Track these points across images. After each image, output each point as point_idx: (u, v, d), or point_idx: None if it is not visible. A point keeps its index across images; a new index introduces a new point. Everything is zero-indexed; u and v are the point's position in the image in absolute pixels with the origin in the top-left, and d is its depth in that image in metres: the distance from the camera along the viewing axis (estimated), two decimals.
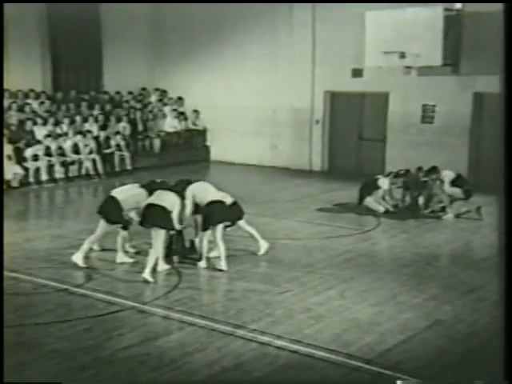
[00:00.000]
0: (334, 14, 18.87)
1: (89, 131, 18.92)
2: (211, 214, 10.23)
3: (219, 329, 7.89)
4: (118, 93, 21.45)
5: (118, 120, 20.16)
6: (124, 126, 20.07)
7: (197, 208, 10.54)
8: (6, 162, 16.43)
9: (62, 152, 17.99)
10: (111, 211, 10.25)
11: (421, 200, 14.03)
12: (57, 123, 18.82)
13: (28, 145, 17.52)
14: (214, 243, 10.30)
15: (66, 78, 21.13)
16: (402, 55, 16.73)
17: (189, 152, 21.55)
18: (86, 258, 10.35)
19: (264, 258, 10.86)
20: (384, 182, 14.08)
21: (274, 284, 9.55)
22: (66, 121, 19.03)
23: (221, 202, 10.37)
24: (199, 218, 10.55)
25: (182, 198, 10.29)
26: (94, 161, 18.48)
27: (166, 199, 9.92)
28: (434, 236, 12.68)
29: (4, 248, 9.76)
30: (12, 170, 16.66)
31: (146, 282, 9.47)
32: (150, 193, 10.25)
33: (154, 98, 22.22)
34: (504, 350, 5.42)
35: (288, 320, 8.21)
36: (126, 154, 19.36)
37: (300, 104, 20.09)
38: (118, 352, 7.26)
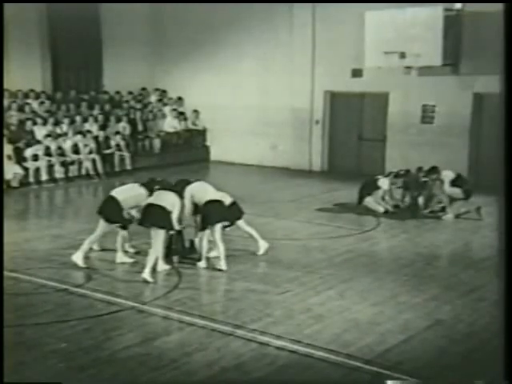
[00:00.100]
0: (333, 13, 18.88)
1: (89, 131, 18.93)
2: (209, 214, 10.23)
3: (219, 329, 7.89)
4: (117, 93, 21.45)
5: (118, 120, 20.16)
6: (124, 126, 20.08)
7: (196, 208, 10.54)
8: (5, 161, 16.43)
9: (61, 152, 17.99)
10: (111, 211, 10.25)
11: (421, 200, 14.03)
12: (57, 123, 18.82)
13: (28, 145, 17.52)
14: (213, 243, 10.30)
15: (65, 77, 21.14)
16: (402, 55, 16.74)
17: (189, 152, 21.55)
18: (86, 258, 10.34)
19: (264, 258, 10.86)
20: (384, 182, 14.08)
21: (273, 284, 9.55)
22: (66, 121, 19.03)
23: (219, 202, 10.36)
24: (199, 217, 10.54)
25: (181, 197, 10.29)
26: (93, 161, 18.48)
27: (166, 199, 9.92)
28: (434, 236, 12.68)
29: (4, 248, 9.75)
30: (12, 170, 16.66)
31: (145, 282, 9.47)
32: (151, 191, 10.26)
33: (153, 98, 22.22)
34: (504, 350, 5.42)
35: (288, 320, 8.20)
36: (126, 154, 19.37)
37: (300, 104, 20.09)
38: (118, 352, 7.26)
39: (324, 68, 19.49)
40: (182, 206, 10.27)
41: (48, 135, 17.92)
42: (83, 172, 18.34)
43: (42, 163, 17.41)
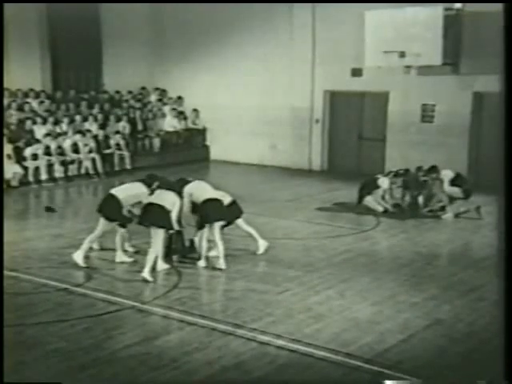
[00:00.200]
0: (333, 13, 18.88)
1: (88, 130, 18.92)
2: (207, 213, 10.23)
3: (219, 328, 7.90)
4: (117, 92, 21.45)
5: (118, 119, 20.16)
6: (124, 126, 20.08)
7: (194, 207, 10.53)
8: (5, 161, 16.43)
9: (61, 151, 17.99)
10: (111, 209, 10.25)
11: (420, 199, 14.04)
12: (56, 122, 18.82)
13: (27, 144, 17.51)
14: (213, 242, 10.31)
15: (65, 77, 21.15)
16: (402, 55, 16.75)
17: (188, 151, 21.55)
18: (86, 257, 10.34)
19: (264, 257, 10.87)
20: (384, 182, 14.09)
21: (273, 283, 9.56)
22: (66, 120, 19.02)
23: (217, 201, 10.36)
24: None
25: (181, 197, 10.29)
26: (93, 160, 18.48)
27: (166, 198, 9.92)
28: (434, 235, 12.68)
29: (4, 247, 9.76)
30: (12, 170, 16.66)
31: (145, 281, 9.47)
32: (150, 186, 10.26)
33: (153, 98, 22.23)
34: (504, 350, 5.42)
35: (288, 319, 8.21)
36: (126, 154, 19.36)
37: (300, 103, 20.10)
38: (118, 351, 7.26)
39: (324, 67, 19.50)
40: (182, 206, 10.27)
41: (48, 134, 17.92)
42: (83, 171, 18.34)
43: (42, 162, 17.41)
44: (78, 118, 19.42)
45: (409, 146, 18.27)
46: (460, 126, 17.61)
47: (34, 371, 6.83)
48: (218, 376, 6.76)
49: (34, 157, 17.30)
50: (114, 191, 10.39)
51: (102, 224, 10.33)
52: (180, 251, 10.55)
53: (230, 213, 10.56)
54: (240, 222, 10.85)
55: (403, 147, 18.38)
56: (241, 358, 7.11)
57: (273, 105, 20.53)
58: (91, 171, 18.42)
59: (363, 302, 8.85)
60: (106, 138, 19.30)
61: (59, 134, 18.30)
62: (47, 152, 17.65)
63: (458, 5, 16.80)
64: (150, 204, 9.85)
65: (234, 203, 10.72)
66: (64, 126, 18.86)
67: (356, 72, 18.72)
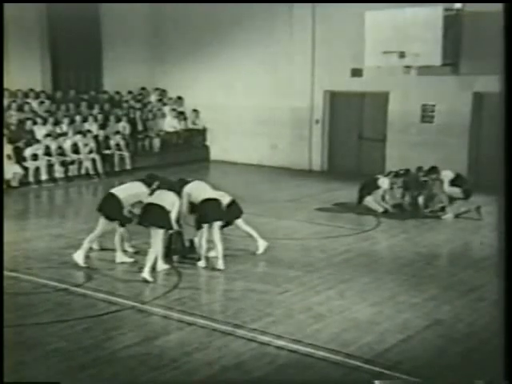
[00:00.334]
0: (333, 13, 18.88)
1: (88, 131, 18.92)
2: (205, 212, 10.23)
3: (219, 328, 7.90)
4: (117, 92, 21.45)
5: (118, 120, 20.16)
6: (124, 126, 20.08)
7: (193, 207, 10.52)
8: (5, 161, 16.43)
9: (61, 152, 17.99)
10: (111, 208, 10.25)
11: (420, 200, 14.03)
12: (56, 123, 18.82)
13: (28, 144, 17.51)
14: (213, 243, 10.30)
15: (65, 77, 21.14)
16: (402, 55, 16.73)
17: (188, 152, 21.55)
18: (86, 257, 10.34)
19: (264, 257, 10.87)
20: (384, 182, 14.09)
21: (273, 284, 9.56)
22: (66, 120, 19.03)
23: (215, 201, 10.35)
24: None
25: (180, 197, 10.29)
26: (93, 160, 18.48)
27: (166, 199, 9.92)
28: (434, 236, 12.68)
29: (4, 247, 9.76)
30: (12, 170, 16.66)
31: (145, 281, 9.47)
32: (150, 186, 10.26)
33: (153, 98, 22.23)
34: (504, 350, 5.42)
35: (288, 320, 8.21)
36: (126, 154, 19.36)
37: (300, 104, 20.09)
38: (118, 351, 7.27)
39: (324, 68, 19.50)
40: (181, 206, 10.27)
41: (48, 135, 17.93)
42: (83, 172, 18.34)
43: (42, 163, 17.41)
44: (78, 118, 19.42)
45: (409, 146, 18.27)
46: (460, 126, 17.61)
47: (33, 371, 6.84)
48: (218, 376, 6.76)
49: (34, 157, 17.30)
50: (114, 190, 10.39)
51: (102, 223, 10.33)
52: (180, 251, 10.55)
53: (229, 213, 10.57)
54: (240, 222, 10.85)
55: (403, 147, 18.38)
56: (241, 359, 7.11)
57: (273, 105, 20.52)
58: (91, 171, 18.42)
59: (363, 303, 8.85)
60: (106, 138, 19.31)
61: (59, 135, 18.30)
62: (47, 152, 17.66)
63: (458, 5, 16.80)
64: (150, 204, 9.85)
65: (233, 203, 10.72)
66: (64, 127, 18.87)
67: (356, 72, 18.73)
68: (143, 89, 22.31)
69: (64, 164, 17.98)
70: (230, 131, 21.41)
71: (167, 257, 10.25)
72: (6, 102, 18.55)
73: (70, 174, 18.09)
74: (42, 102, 19.43)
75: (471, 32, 16.57)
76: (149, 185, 10.33)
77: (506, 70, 5.57)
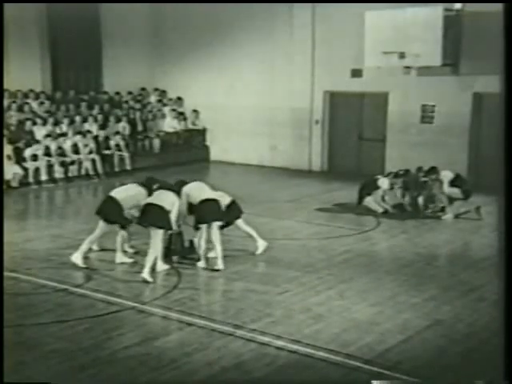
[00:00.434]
0: (333, 13, 18.88)
1: (88, 131, 18.92)
2: (203, 213, 10.22)
3: (219, 329, 7.89)
4: (117, 93, 21.45)
5: (118, 120, 20.17)
6: (123, 126, 20.08)
7: (192, 207, 10.51)
8: (5, 161, 16.43)
9: (61, 152, 17.99)
10: (110, 211, 10.25)
11: (420, 200, 14.03)
12: (56, 123, 18.82)
13: (27, 145, 17.51)
14: (212, 243, 10.30)
15: (65, 78, 21.14)
16: (402, 55, 16.72)
17: (188, 152, 21.55)
18: (86, 258, 10.35)
19: (263, 258, 10.87)
20: (384, 182, 14.08)
21: (273, 284, 9.55)
22: (66, 121, 19.03)
23: (214, 201, 10.34)
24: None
25: (180, 198, 10.29)
26: (93, 161, 18.48)
27: (165, 199, 9.92)
28: (434, 236, 12.68)
29: (4, 248, 9.75)
30: (11, 170, 16.66)
31: (145, 282, 9.47)
32: (149, 190, 10.25)
33: (153, 98, 22.23)
34: (504, 350, 5.41)
35: (287, 320, 8.21)
36: (126, 154, 19.36)
37: (299, 104, 20.09)
38: (118, 352, 7.27)
39: (324, 68, 19.50)
40: (181, 206, 10.26)
41: (48, 135, 17.93)
42: (83, 172, 18.33)
43: (42, 163, 17.41)
44: (77, 118, 19.42)
45: (409, 146, 18.27)
46: (460, 126, 17.60)
47: (33, 371, 6.84)
48: (217, 377, 6.76)
49: (34, 158, 17.30)
50: (113, 193, 10.37)
51: (102, 226, 10.32)
52: (179, 252, 10.55)
53: (229, 213, 10.56)
54: (240, 222, 10.84)
55: (403, 148, 18.38)
56: (240, 359, 7.11)
57: (273, 105, 20.52)
58: (91, 172, 18.42)
59: (363, 303, 8.85)
60: (106, 138, 19.30)
61: (59, 135, 18.29)
62: (47, 153, 17.66)
63: (457, 5, 16.79)
64: (149, 204, 9.85)
65: (233, 203, 10.72)
66: (64, 127, 18.86)
67: (356, 72, 18.72)
68: (143, 89, 22.31)
69: (64, 164, 17.98)
70: (229, 131, 21.41)
71: (167, 257, 10.25)
72: (6, 102, 18.54)
73: (69, 174, 18.09)
74: (41, 103, 19.43)
75: (471, 32, 16.56)
76: (148, 188, 10.30)
77: (506, 69, 5.57)
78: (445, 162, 15.63)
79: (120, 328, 7.95)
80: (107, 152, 19.00)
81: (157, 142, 20.77)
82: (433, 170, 14.03)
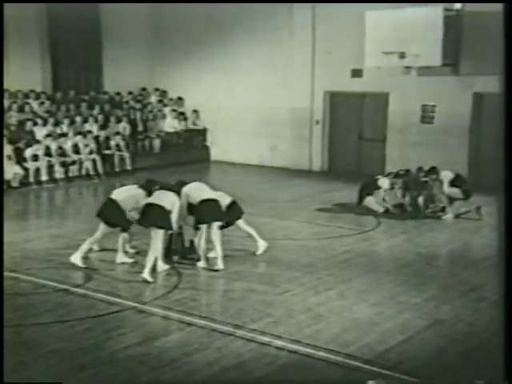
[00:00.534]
0: (334, 14, 18.88)
1: (89, 131, 18.92)
2: (202, 213, 10.22)
3: (219, 329, 7.90)
4: (117, 93, 21.45)
5: (118, 120, 20.17)
6: (124, 127, 20.08)
7: (191, 208, 10.50)
8: (5, 162, 16.43)
9: (62, 152, 17.99)
10: (111, 213, 10.23)
11: (420, 200, 14.03)
12: (57, 123, 18.82)
13: (28, 145, 17.51)
14: (212, 243, 10.30)
15: (65, 78, 21.14)
16: (402, 55, 16.73)
17: (189, 152, 21.56)
18: (86, 258, 10.35)
19: (263, 258, 10.86)
20: (384, 182, 14.08)
21: (273, 284, 9.55)
22: (66, 121, 19.03)
23: (214, 201, 10.34)
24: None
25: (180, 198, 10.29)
26: (93, 161, 18.48)
27: (166, 199, 9.92)
28: (434, 236, 12.68)
29: (4, 248, 9.75)
30: (12, 170, 16.66)
31: (145, 282, 9.47)
32: (149, 192, 10.24)
33: (153, 99, 22.23)
34: (504, 350, 5.42)
35: (287, 320, 8.21)
36: (126, 155, 19.36)
37: (300, 104, 20.09)
38: (118, 352, 7.26)
39: (324, 68, 19.50)
40: (181, 206, 10.26)
41: (48, 135, 17.93)
42: (83, 172, 18.33)
43: (42, 163, 17.41)
44: (78, 119, 19.42)
45: (409, 146, 18.27)
46: (460, 126, 17.61)
47: (33, 371, 6.84)
48: (218, 377, 6.76)
49: (35, 158, 17.30)
50: (113, 195, 10.36)
51: (102, 228, 10.31)
52: (180, 252, 10.55)
53: (230, 214, 10.55)
54: (240, 222, 10.84)
55: (403, 148, 18.38)
56: (241, 359, 7.11)
57: (273, 105, 20.52)
58: (92, 172, 18.42)
59: (363, 303, 8.85)
60: (107, 138, 19.30)
61: (60, 135, 18.29)
62: (47, 153, 17.65)
63: (458, 5, 16.79)
64: (150, 204, 9.85)
65: (233, 204, 10.71)
66: (64, 127, 18.86)
67: (356, 73, 18.72)
68: (143, 89, 22.31)
69: (64, 164, 17.98)
70: (230, 131, 21.42)
71: (167, 257, 10.25)
72: (6, 102, 18.54)
73: (70, 174, 18.08)
74: (42, 103, 19.44)
75: (471, 32, 16.55)
76: (148, 190, 10.28)
77: (506, 69, 5.57)
78: (445, 161, 15.62)
79: (120, 328, 7.95)
80: (108, 152, 19.00)
81: (157, 142, 20.78)
82: (433, 170, 14.03)
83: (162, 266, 9.99)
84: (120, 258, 10.47)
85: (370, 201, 14.09)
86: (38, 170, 17.32)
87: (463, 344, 7.62)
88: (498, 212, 6.16)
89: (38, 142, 17.78)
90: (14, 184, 16.73)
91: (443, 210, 13.95)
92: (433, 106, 18.01)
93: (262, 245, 10.98)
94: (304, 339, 7.59)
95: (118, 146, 19.25)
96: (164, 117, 21.51)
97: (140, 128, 20.85)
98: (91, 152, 18.50)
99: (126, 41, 21.39)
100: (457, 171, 14.23)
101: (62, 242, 11.62)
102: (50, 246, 11.52)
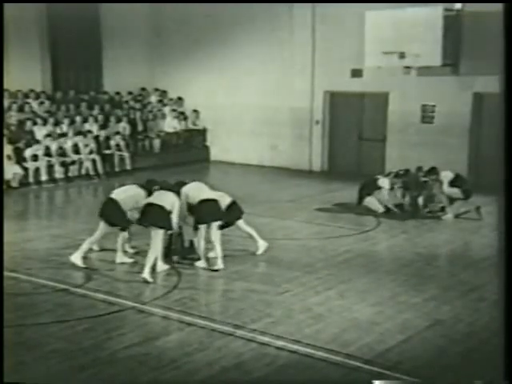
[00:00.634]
0: (333, 13, 18.88)
1: (89, 131, 18.92)
2: (202, 213, 10.22)
3: (219, 329, 7.90)
4: (117, 93, 21.45)
5: (118, 120, 20.17)
6: (124, 127, 20.08)
7: (191, 208, 10.50)
8: (5, 161, 16.43)
9: (61, 152, 17.99)
10: (111, 213, 10.23)
11: (420, 200, 14.03)
12: (57, 123, 18.82)
13: (28, 145, 17.51)
14: (212, 243, 10.30)
15: (65, 78, 21.15)
16: (402, 55, 16.73)
17: (189, 152, 21.56)
18: (86, 258, 10.35)
19: (263, 258, 10.87)
20: (384, 182, 14.08)
21: (273, 284, 9.55)
22: (66, 121, 19.03)
23: (213, 201, 10.33)
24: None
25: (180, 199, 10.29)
26: (93, 161, 18.48)
27: (166, 199, 9.91)
28: (434, 236, 12.68)
29: (4, 248, 9.75)
30: (12, 170, 16.66)
31: (145, 282, 9.47)
32: (149, 192, 10.24)
33: (153, 98, 22.23)
34: (504, 350, 5.42)
35: (287, 320, 8.21)
36: (126, 154, 19.36)
37: (300, 104, 20.09)
38: (118, 352, 7.26)
39: (324, 68, 19.50)
40: (181, 207, 10.26)
41: (48, 135, 17.93)
42: (83, 172, 18.33)
43: (42, 163, 17.41)
44: (78, 118, 19.43)
45: (409, 146, 18.27)
46: (460, 126, 17.61)
47: (33, 371, 6.84)
48: (218, 377, 6.76)
49: (35, 158, 17.30)
50: (113, 195, 10.37)
51: (102, 227, 10.32)
52: (180, 252, 10.55)
53: (230, 214, 10.55)
54: (241, 222, 10.84)
55: (403, 148, 18.38)
56: (241, 359, 7.11)
57: (273, 105, 20.52)
58: (91, 172, 18.41)
59: (363, 303, 8.85)
60: (107, 138, 19.30)
61: (59, 135, 18.29)
62: (47, 153, 17.65)
63: (458, 5, 16.79)
64: (150, 204, 9.85)
65: (233, 204, 10.71)
66: (64, 127, 18.86)
67: (356, 72, 18.72)
68: (143, 89, 22.32)
69: (64, 164, 17.98)
70: (230, 131, 21.42)
71: (167, 257, 10.25)
72: (6, 102, 18.54)
73: (70, 174, 18.08)
74: (42, 103, 19.44)
75: (471, 32, 16.56)
76: (148, 190, 10.28)
77: (506, 69, 5.58)
78: (445, 161, 15.63)
79: (120, 328, 7.95)
80: (107, 152, 19.00)
81: (157, 142, 20.78)
82: (433, 170, 14.03)
83: (162, 266, 10.00)
84: (120, 257, 10.47)
85: (369, 201, 14.09)
86: (37, 170, 17.32)
87: (463, 344, 7.62)
88: (497, 212, 6.16)
89: (37, 141, 17.78)
90: (14, 184, 16.72)
91: (443, 210, 13.95)
92: (433, 106, 18.02)
93: (262, 245, 10.98)
94: (304, 339, 7.59)
95: (117, 145, 19.25)
96: (164, 117, 21.51)
97: (140, 128, 20.85)
98: (91, 152, 18.49)
99: (125, 41, 21.40)
100: (457, 171, 14.23)
101: (62, 242, 11.62)
102: (50, 245, 11.52)
